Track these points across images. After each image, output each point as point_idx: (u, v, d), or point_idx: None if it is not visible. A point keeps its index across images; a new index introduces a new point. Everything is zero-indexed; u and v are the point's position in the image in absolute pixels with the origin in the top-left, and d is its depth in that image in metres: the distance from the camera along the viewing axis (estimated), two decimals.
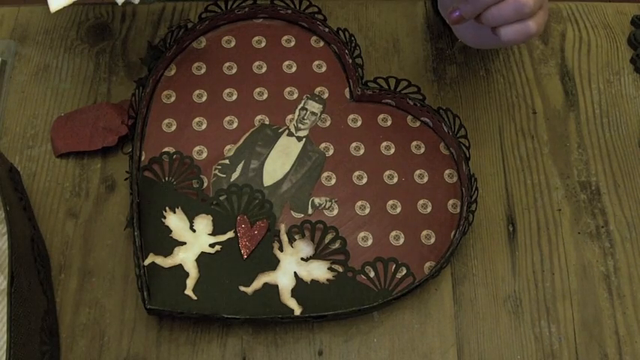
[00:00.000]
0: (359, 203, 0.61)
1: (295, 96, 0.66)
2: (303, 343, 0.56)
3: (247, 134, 0.64)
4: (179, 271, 0.57)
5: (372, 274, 0.58)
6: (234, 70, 0.67)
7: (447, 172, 0.63)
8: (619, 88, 0.69)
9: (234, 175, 0.62)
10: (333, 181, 0.62)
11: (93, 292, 0.58)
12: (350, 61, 0.66)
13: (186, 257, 0.57)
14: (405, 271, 0.58)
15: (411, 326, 0.57)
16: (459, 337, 0.57)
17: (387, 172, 0.62)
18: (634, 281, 0.59)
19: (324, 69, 0.67)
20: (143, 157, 0.62)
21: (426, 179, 0.62)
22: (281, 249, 0.58)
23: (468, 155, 0.60)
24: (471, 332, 0.57)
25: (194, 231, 0.59)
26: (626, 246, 0.61)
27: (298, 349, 0.56)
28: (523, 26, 0.54)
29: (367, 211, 0.61)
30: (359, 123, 0.65)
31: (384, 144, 0.64)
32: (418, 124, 0.65)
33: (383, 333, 0.57)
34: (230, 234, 0.59)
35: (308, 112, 0.65)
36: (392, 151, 0.64)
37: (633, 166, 0.64)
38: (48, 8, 0.71)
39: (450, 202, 0.61)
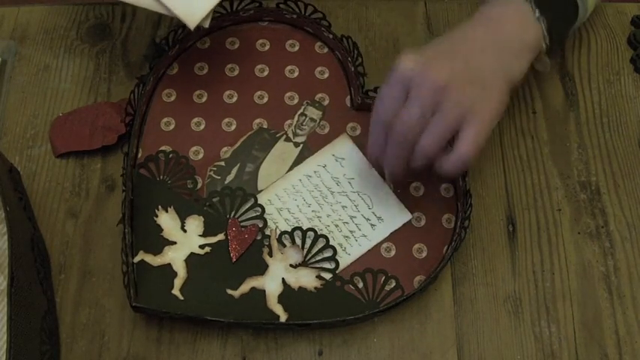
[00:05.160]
0: None
1: (295, 101, 0.66)
2: (303, 343, 0.56)
3: (245, 137, 0.64)
4: (167, 270, 0.57)
5: (360, 285, 0.57)
6: (235, 72, 0.67)
7: (444, 186, 0.62)
8: (619, 88, 0.69)
9: (229, 178, 0.62)
10: None
11: (93, 292, 0.58)
12: (352, 69, 0.65)
13: (175, 257, 0.57)
14: (394, 284, 0.57)
15: (411, 326, 0.57)
16: (459, 337, 0.57)
17: (384, 183, 0.62)
18: (634, 281, 0.59)
19: (326, 75, 0.67)
20: (140, 155, 0.62)
21: (422, 192, 0.62)
22: (270, 254, 0.58)
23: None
24: (471, 332, 0.57)
25: (185, 231, 0.59)
26: (626, 246, 0.61)
27: (298, 349, 0.56)
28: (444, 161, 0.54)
29: None
30: (358, 132, 0.64)
31: None
32: None
33: (383, 333, 0.57)
34: (220, 236, 0.58)
35: (307, 118, 0.65)
36: None
37: (633, 166, 0.64)
38: (48, 8, 0.71)
39: (445, 216, 0.61)
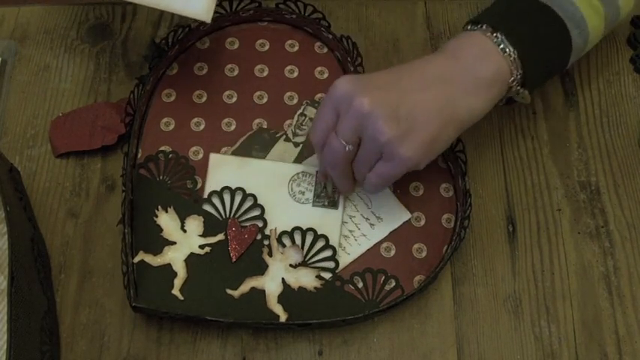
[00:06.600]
0: None
1: (295, 101, 0.66)
2: (303, 343, 0.56)
3: (244, 137, 0.64)
4: (167, 270, 0.57)
5: (360, 285, 0.57)
6: (235, 72, 0.67)
7: (444, 185, 0.62)
8: (619, 88, 0.69)
9: None
10: None
11: (93, 292, 0.58)
12: (352, 69, 0.65)
13: (175, 257, 0.57)
14: (393, 284, 0.57)
15: (411, 326, 0.57)
16: (459, 337, 0.57)
17: None
18: (634, 281, 0.59)
19: (325, 75, 0.67)
20: (140, 155, 0.62)
21: (421, 192, 0.62)
22: (270, 254, 0.58)
23: (464, 170, 0.60)
24: (471, 332, 0.57)
25: (185, 231, 0.59)
26: (626, 246, 0.61)
27: (298, 349, 0.56)
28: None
29: None
30: None
31: None
32: None
33: (383, 333, 0.57)
34: (220, 236, 0.58)
35: (307, 119, 0.65)
36: None
37: (633, 166, 0.64)
38: (48, 8, 0.71)
39: (445, 216, 0.61)
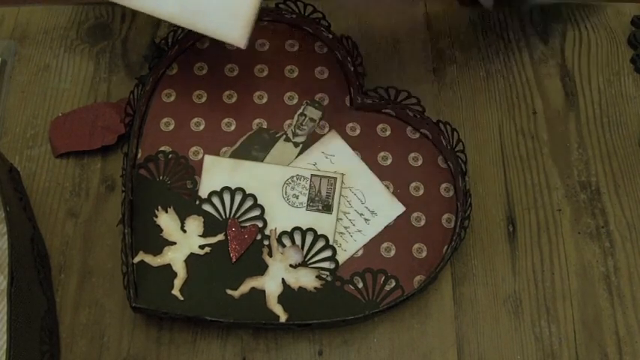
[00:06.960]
0: None
1: (295, 101, 0.66)
2: (303, 343, 0.56)
3: (244, 137, 0.64)
4: (167, 270, 0.57)
5: (360, 285, 0.57)
6: (235, 73, 0.67)
7: (444, 185, 0.62)
8: (619, 88, 0.69)
9: None
10: None
11: (93, 292, 0.58)
12: (352, 69, 0.65)
13: (175, 257, 0.57)
14: (394, 284, 0.57)
15: (411, 326, 0.57)
16: (459, 337, 0.57)
17: (383, 183, 0.62)
18: (634, 281, 0.59)
19: (325, 75, 0.67)
20: (139, 155, 0.62)
21: (421, 192, 0.62)
22: (270, 254, 0.58)
23: (464, 170, 0.60)
24: (471, 332, 0.57)
25: (185, 231, 0.59)
26: (626, 246, 0.61)
27: (298, 349, 0.56)
28: None
29: None
30: (357, 132, 0.64)
31: (382, 154, 0.63)
32: (417, 135, 0.64)
33: (383, 333, 0.57)
34: (220, 236, 0.58)
35: (307, 118, 0.65)
36: (389, 161, 0.63)
37: (633, 166, 0.64)
38: (48, 8, 0.71)
39: (445, 216, 0.61)
